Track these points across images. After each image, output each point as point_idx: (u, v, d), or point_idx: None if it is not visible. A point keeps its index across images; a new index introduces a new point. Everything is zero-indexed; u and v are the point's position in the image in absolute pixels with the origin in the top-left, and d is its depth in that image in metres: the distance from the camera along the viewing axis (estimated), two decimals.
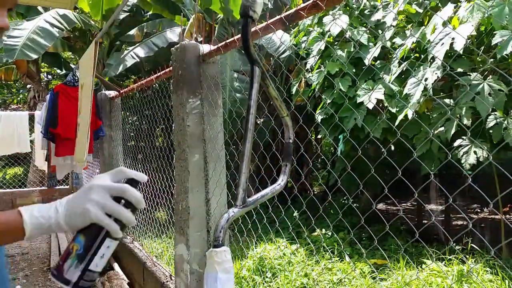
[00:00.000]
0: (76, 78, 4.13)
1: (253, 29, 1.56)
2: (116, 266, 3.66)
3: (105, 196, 0.63)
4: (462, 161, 3.10)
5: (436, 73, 3.01)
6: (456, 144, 3.23)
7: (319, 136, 6.73)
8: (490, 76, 3.00)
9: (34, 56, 6.00)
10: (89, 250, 0.61)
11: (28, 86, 9.40)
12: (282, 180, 0.82)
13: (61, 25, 6.39)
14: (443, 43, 2.79)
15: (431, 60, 3.14)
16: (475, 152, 3.10)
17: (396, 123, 3.26)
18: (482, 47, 3.38)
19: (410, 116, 3.25)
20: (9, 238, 0.63)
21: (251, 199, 0.71)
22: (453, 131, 3.09)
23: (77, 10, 7.45)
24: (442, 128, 3.23)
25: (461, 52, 2.85)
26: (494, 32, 2.88)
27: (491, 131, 3.08)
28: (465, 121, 3.02)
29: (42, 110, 5.31)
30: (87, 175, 6.42)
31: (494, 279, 3.14)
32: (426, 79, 3.04)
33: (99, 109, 4.11)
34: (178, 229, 1.98)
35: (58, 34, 6.29)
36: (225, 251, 0.63)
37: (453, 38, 2.74)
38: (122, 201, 0.63)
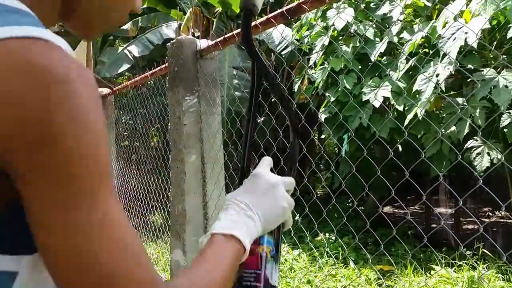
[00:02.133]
0: None
1: (252, 24, 1.56)
2: None
3: (285, 192, 0.64)
4: (475, 163, 3.08)
5: (448, 69, 2.99)
6: (468, 145, 3.22)
7: (322, 136, 6.73)
8: (504, 70, 2.99)
9: None
10: (278, 248, 0.63)
11: None
12: None
13: None
14: (455, 38, 2.77)
15: (442, 56, 3.13)
16: (488, 154, 3.08)
17: (406, 123, 3.24)
18: (495, 42, 3.37)
19: (419, 115, 3.23)
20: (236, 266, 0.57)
21: None
22: (466, 132, 3.08)
23: None
24: (454, 128, 3.22)
25: (474, 45, 2.83)
26: (509, 26, 2.87)
27: (505, 130, 3.06)
28: (478, 122, 3.01)
29: None
30: None
31: (506, 286, 3.14)
32: (437, 75, 3.02)
33: None
34: (174, 234, 1.97)
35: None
36: None
37: (466, 33, 2.72)
38: None
